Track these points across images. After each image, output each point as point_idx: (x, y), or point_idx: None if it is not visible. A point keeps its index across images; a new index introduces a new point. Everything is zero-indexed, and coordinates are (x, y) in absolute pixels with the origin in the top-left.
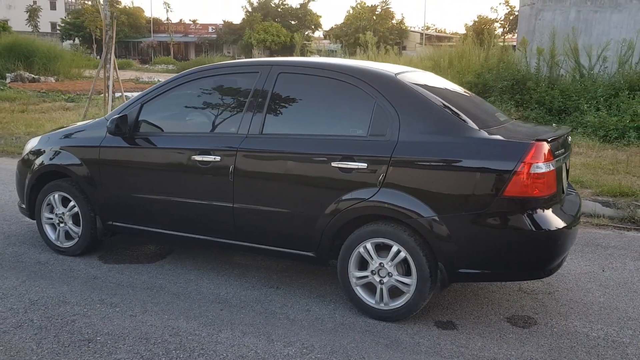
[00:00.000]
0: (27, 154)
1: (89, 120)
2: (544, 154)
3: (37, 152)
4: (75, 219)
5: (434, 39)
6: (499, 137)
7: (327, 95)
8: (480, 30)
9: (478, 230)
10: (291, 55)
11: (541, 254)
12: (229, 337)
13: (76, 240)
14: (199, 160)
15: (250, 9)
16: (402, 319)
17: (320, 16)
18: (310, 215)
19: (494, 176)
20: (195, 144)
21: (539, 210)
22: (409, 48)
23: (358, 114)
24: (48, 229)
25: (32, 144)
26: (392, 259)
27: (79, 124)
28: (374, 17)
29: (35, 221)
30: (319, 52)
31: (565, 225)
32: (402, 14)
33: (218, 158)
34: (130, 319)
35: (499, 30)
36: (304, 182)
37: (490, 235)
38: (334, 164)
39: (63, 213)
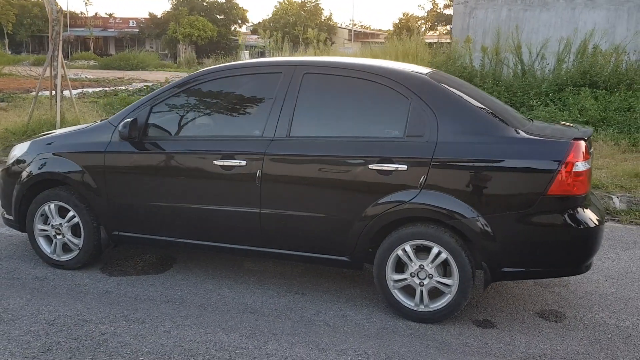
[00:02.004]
0: (14, 161)
1: (87, 124)
2: (582, 152)
3: (27, 159)
4: (74, 230)
5: (361, 35)
6: (539, 136)
7: (357, 97)
8: (406, 27)
9: (523, 229)
10: (217, 50)
11: (582, 250)
12: (278, 348)
13: (76, 252)
14: (221, 165)
15: (175, 2)
16: (442, 320)
17: (247, 10)
18: (345, 219)
19: (537, 175)
20: (216, 147)
21: (579, 208)
22: (338, 44)
23: (392, 115)
24: (42, 242)
25: (19, 150)
26: (433, 261)
27: (72, 128)
28: (302, 13)
29: (24, 233)
30: (251, 49)
31: (600, 221)
32: (329, 10)
33: (244, 162)
34: (165, 336)
35: (422, 28)
36: (339, 185)
37: (535, 233)
38: (371, 167)
39: (60, 224)
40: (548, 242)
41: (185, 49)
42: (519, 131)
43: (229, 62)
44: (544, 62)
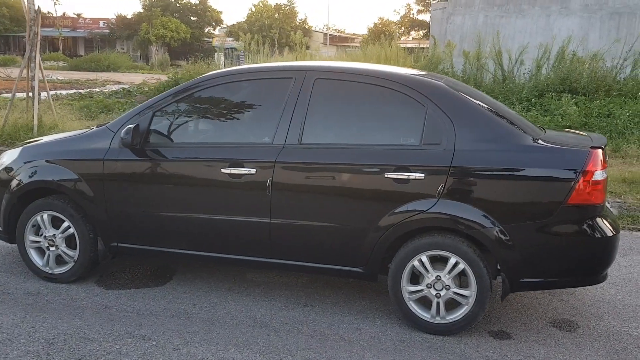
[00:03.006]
0: (3, 169)
1: (83, 129)
2: (601, 161)
3: (16, 167)
4: (69, 241)
5: (336, 39)
6: (558, 145)
7: (371, 103)
8: (381, 32)
9: (542, 239)
10: (190, 52)
11: (600, 260)
12: None
13: (71, 265)
14: (229, 173)
15: (148, 3)
16: (459, 332)
17: (221, 12)
18: (359, 229)
19: (558, 184)
20: (223, 155)
21: (597, 218)
22: (313, 48)
23: (408, 122)
24: (33, 254)
25: (9, 157)
26: (450, 271)
27: (66, 134)
28: (277, 15)
29: (12, 245)
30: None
31: (617, 229)
32: (305, 13)
33: (253, 170)
34: (176, 354)
35: (398, 33)
36: (353, 194)
37: (554, 243)
38: (387, 175)
39: (54, 235)
40: (567, 252)
41: (157, 50)
42: (537, 140)
43: (206, 64)
44: (523, 68)
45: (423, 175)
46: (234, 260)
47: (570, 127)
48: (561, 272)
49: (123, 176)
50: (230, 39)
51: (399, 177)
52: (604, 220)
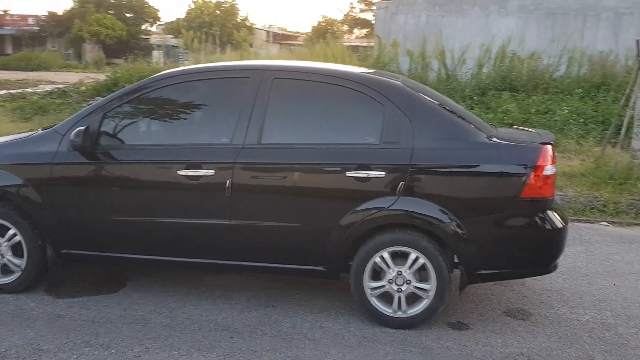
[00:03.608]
0: None
1: (28, 132)
2: (550, 156)
3: None
4: (15, 249)
5: (279, 37)
6: (510, 142)
7: (330, 103)
8: (325, 30)
9: (498, 232)
10: (127, 50)
11: (551, 250)
12: None
13: (18, 274)
14: (186, 175)
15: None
16: (420, 325)
17: (159, 10)
18: (321, 228)
19: (511, 179)
20: (179, 156)
21: (548, 210)
22: (255, 46)
23: (367, 121)
24: None
25: None
26: (411, 266)
27: (8, 137)
28: (218, 12)
29: None
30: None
31: (566, 221)
32: (246, 11)
33: (211, 172)
34: None
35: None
36: (315, 194)
37: (509, 236)
38: (348, 174)
39: None
40: (521, 244)
41: (92, 48)
42: (491, 137)
43: (143, 63)
44: (466, 67)
45: (383, 173)
46: (193, 264)
47: (512, 124)
48: (515, 263)
49: (73, 180)
50: (170, 36)
51: (360, 175)
52: (554, 213)
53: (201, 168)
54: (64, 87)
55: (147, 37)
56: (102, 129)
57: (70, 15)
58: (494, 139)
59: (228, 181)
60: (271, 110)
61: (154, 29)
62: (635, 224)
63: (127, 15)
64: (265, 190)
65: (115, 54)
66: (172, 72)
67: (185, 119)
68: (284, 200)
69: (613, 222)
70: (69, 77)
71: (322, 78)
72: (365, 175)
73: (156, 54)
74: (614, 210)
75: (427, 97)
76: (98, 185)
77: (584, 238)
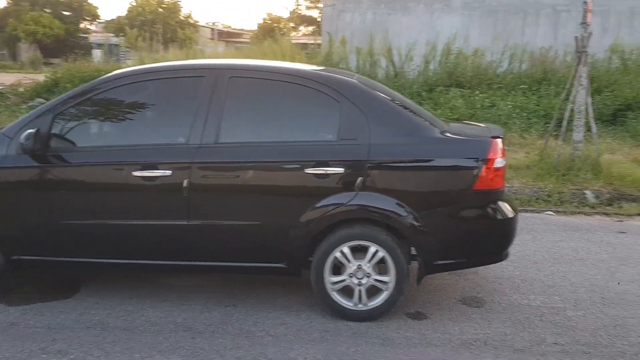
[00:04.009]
0: None
1: None
2: (500, 149)
3: None
4: None
5: (224, 34)
6: (462, 136)
7: (287, 101)
8: (270, 28)
9: (453, 223)
10: (65, 49)
11: (503, 239)
12: None
13: None
14: (142, 176)
15: None
16: (380, 317)
17: (98, 7)
18: (282, 226)
19: (464, 172)
20: (135, 157)
21: (499, 201)
22: (200, 44)
23: (324, 119)
24: None
25: None
26: (370, 260)
27: None
28: (160, 10)
29: None
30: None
31: (516, 211)
32: (189, 8)
33: (168, 172)
34: None
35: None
36: (274, 191)
37: (464, 227)
38: (307, 171)
39: None
40: (474, 234)
41: (28, 48)
42: (444, 132)
43: (88, 62)
44: (413, 64)
45: (342, 169)
46: (151, 266)
47: (458, 119)
48: (470, 252)
49: (23, 184)
50: (110, 34)
51: (319, 172)
52: (505, 204)
53: (157, 169)
54: (1, 89)
55: (86, 35)
56: (53, 131)
57: (3, 14)
58: (447, 134)
59: (185, 181)
60: (228, 109)
61: (93, 27)
62: (579, 213)
63: (65, 13)
64: (224, 189)
65: (53, 53)
66: (125, 72)
67: (139, 119)
68: (243, 199)
69: (557, 211)
70: (4, 78)
71: (279, 76)
72: (324, 172)
73: (97, 53)
74: (558, 200)
75: (382, 94)
76: (50, 189)
77: (530, 227)
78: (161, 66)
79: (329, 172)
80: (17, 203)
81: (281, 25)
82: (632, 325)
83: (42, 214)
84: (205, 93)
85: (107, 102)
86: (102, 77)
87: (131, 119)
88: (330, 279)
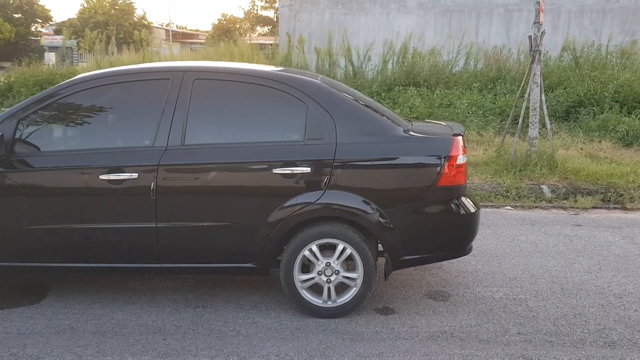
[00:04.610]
0: None
1: None
2: (462, 146)
3: None
4: None
5: (179, 35)
6: (425, 134)
7: (253, 102)
8: (226, 28)
9: (418, 219)
10: (16, 52)
11: (466, 234)
12: None
13: None
14: (108, 180)
15: None
16: (349, 313)
17: (50, 10)
18: (250, 226)
19: (427, 170)
20: (100, 161)
21: (462, 197)
22: (155, 45)
23: (291, 119)
24: None
25: None
26: (339, 257)
27: None
28: (113, 11)
29: None
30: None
31: (478, 206)
32: (143, 9)
33: (135, 175)
34: None
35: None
36: (242, 192)
37: (429, 222)
38: (275, 171)
39: None
40: (439, 229)
41: None
42: (408, 130)
43: (39, 65)
44: (371, 64)
45: (309, 169)
46: (119, 269)
47: (417, 118)
48: (435, 247)
49: None
50: (61, 37)
51: (287, 172)
52: (468, 199)
53: (124, 172)
54: None
55: (38, 38)
56: (17, 136)
57: None
58: (410, 133)
59: (152, 184)
60: (193, 111)
61: (44, 30)
62: (536, 207)
63: (15, 15)
64: (192, 191)
65: (3, 57)
66: (88, 75)
67: (105, 122)
68: (211, 200)
69: (516, 205)
70: None
71: (244, 78)
72: (291, 172)
73: (49, 56)
74: (516, 195)
75: (346, 95)
76: (14, 194)
77: (491, 222)
78: (125, 69)
79: (296, 171)
80: None
81: (237, 26)
82: (590, 314)
83: (7, 220)
84: (171, 95)
85: (72, 106)
86: (65, 81)
87: (96, 123)
88: (299, 277)
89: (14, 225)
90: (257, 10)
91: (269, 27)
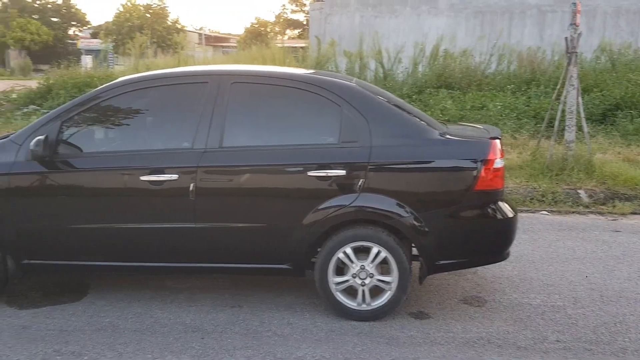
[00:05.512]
0: None
1: None
2: (499, 150)
3: None
4: None
5: (212, 39)
6: (461, 137)
7: (288, 105)
8: (258, 32)
9: (454, 223)
10: (54, 55)
11: (503, 239)
12: None
13: None
14: (149, 181)
15: (2, 5)
16: (383, 317)
17: (86, 13)
18: (285, 227)
19: (464, 173)
20: (142, 162)
21: (499, 202)
22: (188, 48)
23: (325, 122)
24: None
25: None
26: (373, 260)
27: None
28: (147, 16)
29: None
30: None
31: (515, 211)
32: (176, 13)
33: (175, 176)
34: None
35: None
36: (277, 194)
37: (465, 227)
38: (310, 173)
39: None
40: (476, 234)
41: (17, 54)
42: (443, 133)
43: (77, 68)
44: (401, 66)
45: (344, 171)
46: (158, 268)
47: (449, 120)
48: (471, 252)
49: (33, 190)
50: (98, 40)
51: (321, 174)
52: (505, 203)
53: (164, 173)
54: None
55: (74, 42)
56: (61, 137)
57: None
58: (447, 136)
59: (191, 185)
60: (231, 114)
61: (81, 33)
62: (573, 212)
63: (53, 19)
64: (229, 192)
65: (42, 59)
66: (129, 79)
67: (145, 125)
68: (248, 202)
69: (552, 211)
70: None
71: (280, 81)
72: (325, 174)
73: (86, 59)
74: (552, 200)
75: (380, 97)
76: (59, 194)
77: (527, 227)
78: (165, 73)
79: (330, 174)
80: (27, 208)
81: (268, 29)
82: (632, 322)
83: (51, 219)
84: (209, 99)
85: (113, 109)
86: (107, 84)
87: (137, 125)
88: (334, 279)
89: (57, 224)
90: (287, 13)
91: (299, 30)
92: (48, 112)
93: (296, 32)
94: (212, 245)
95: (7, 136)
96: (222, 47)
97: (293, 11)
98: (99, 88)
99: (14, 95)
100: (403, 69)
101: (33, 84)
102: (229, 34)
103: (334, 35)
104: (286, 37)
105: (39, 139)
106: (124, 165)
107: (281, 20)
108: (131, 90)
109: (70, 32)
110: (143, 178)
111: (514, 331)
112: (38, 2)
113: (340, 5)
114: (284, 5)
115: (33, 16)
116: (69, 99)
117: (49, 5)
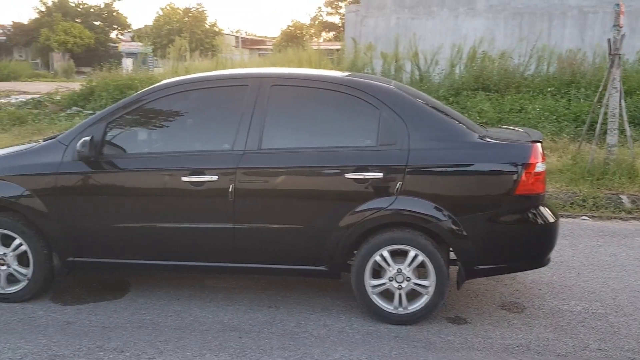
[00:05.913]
0: None
1: (29, 143)
2: (541, 153)
3: None
4: (21, 258)
5: (248, 42)
6: (501, 141)
7: (327, 108)
8: (294, 34)
9: (493, 228)
10: (96, 58)
11: (544, 244)
12: None
13: (24, 283)
14: (190, 181)
15: (44, 9)
16: (420, 321)
17: (127, 17)
18: (322, 229)
19: (504, 177)
20: (183, 163)
21: (540, 206)
22: (225, 52)
23: (363, 125)
24: None
25: None
26: (410, 264)
27: (11, 149)
28: (186, 19)
29: None
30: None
31: (557, 216)
32: (214, 16)
33: (215, 177)
34: None
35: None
36: (315, 196)
37: (504, 231)
38: (347, 176)
39: (5, 254)
40: (515, 239)
41: (61, 57)
42: (483, 137)
43: (119, 71)
44: (438, 68)
45: (381, 174)
46: (197, 267)
47: (486, 123)
48: (511, 257)
49: (78, 189)
50: (139, 44)
51: (359, 177)
52: (547, 208)
53: (204, 174)
54: (39, 97)
55: (116, 45)
56: (106, 138)
57: (36, 24)
58: (486, 139)
59: (231, 186)
60: (270, 116)
61: (123, 37)
62: (615, 218)
63: (95, 23)
64: (267, 193)
65: (84, 62)
66: (172, 82)
67: (186, 127)
68: (286, 203)
69: (593, 216)
70: (40, 87)
71: (319, 84)
72: (363, 177)
73: (126, 62)
74: (593, 205)
75: (419, 100)
76: (103, 193)
77: (567, 232)
78: (205, 76)
79: (368, 177)
80: (72, 207)
81: (304, 32)
82: None
83: (95, 218)
84: (249, 101)
85: (156, 111)
86: (150, 87)
87: (178, 127)
88: (370, 282)
89: (101, 223)
90: (322, 16)
91: (334, 33)
92: (91, 113)
93: (331, 34)
94: (250, 246)
95: (55, 137)
96: (259, 49)
97: (328, 14)
98: (142, 91)
99: (58, 97)
100: (440, 71)
101: (76, 86)
102: (265, 37)
103: (369, 37)
104: (321, 39)
105: (85, 140)
106: (166, 166)
107: (317, 22)
108: (173, 93)
109: (112, 35)
110: (184, 179)
111: (554, 338)
112: (81, 6)
113: (377, 7)
114: (319, 7)
115: (76, 20)
116: (111, 100)
117: (92, 10)
